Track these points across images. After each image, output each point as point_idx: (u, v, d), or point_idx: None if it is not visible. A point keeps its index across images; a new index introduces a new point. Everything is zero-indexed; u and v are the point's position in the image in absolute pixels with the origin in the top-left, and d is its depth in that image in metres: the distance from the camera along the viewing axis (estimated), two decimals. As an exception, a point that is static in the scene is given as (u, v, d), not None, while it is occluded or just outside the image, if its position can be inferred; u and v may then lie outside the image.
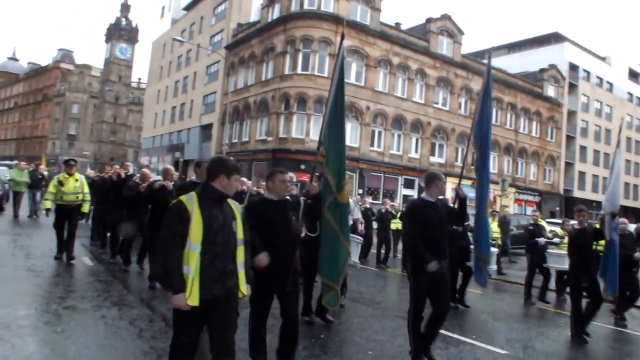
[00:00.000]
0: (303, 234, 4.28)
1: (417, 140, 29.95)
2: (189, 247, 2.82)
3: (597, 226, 6.36)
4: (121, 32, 71.08)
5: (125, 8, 73.10)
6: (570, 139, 40.23)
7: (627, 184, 44.45)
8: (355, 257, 8.30)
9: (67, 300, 5.78)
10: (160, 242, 2.91)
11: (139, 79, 72.67)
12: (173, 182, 7.05)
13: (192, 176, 7.92)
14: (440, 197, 4.77)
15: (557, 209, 33.16)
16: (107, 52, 71.64)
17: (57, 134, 72.28)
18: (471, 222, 8.29)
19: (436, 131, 30.62)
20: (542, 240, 8.98)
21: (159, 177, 7.67)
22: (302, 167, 24.42)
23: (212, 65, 36.40)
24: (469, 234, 7.60)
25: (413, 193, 28.46)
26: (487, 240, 5.33)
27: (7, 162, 37.76)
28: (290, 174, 4.52)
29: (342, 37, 4.61)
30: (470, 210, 5.39)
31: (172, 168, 7.66)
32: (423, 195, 4.74)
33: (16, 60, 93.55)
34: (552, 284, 9.27)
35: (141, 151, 50.81)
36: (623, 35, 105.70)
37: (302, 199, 4.21)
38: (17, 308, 5.11)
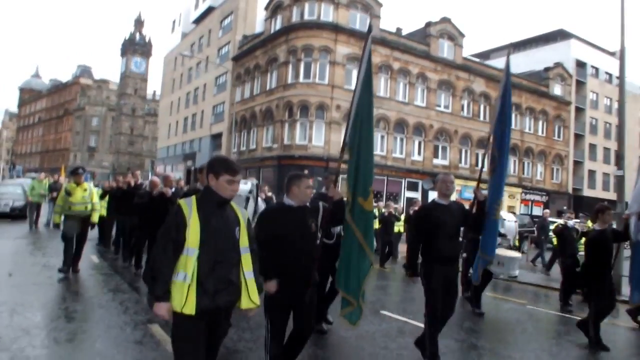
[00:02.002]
0: (318, 241, 4.04)
1: (419, 143, 30.46)
2: (186, 253, 2.69)
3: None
4: (135, 46, 73.51)
5: (138, 24, 75.59)
6: (578, 137, 39.77)
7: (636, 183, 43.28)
8: None
9: (72, 288, 6.90)
10: (154, 247, 2.80)
11: (154, 91, 74.99)
12: (173, 189, 7.57)
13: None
14: (452, 198, 4.70)
15: (565, 208, 33.11)
16: (123, 66, 74.10)
17: (78, 146, 74.94)
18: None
19: (439, 134, 31.06)
20: (571, 222, 8.55)
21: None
22: (306, 171, 25.25)
23: (220, 77, 37.67)
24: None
25: (417, 195, 29.02)
26: (493, 241, 5.23)
27: (33, 174, 39.74)
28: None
29: (368, 33, 4.18)
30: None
31: (171, 175, 8.19)
32: (435, 198, 4.71)
33: (39, 77, 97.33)
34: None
35: (157, 161, 52.43)
36: (634, 29, 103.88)
37: (321, 204, 3.94)
38: (31, 293, 6.24)
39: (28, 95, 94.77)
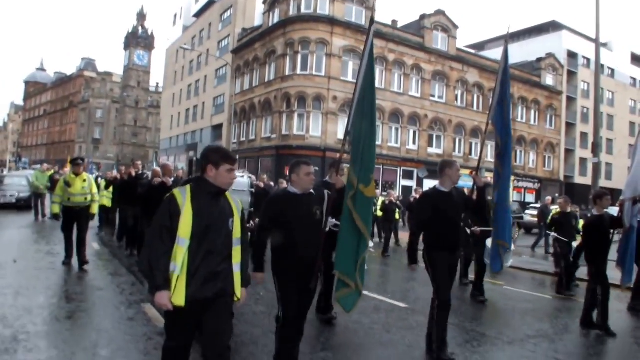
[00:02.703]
0: (327, 229, 3.98)
1: (414, 132, 31.10)
2: (177, 243, 2.66)
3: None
4: (138, 40, 74.21)
5: (141, 17, 76.17)
6: (570, 125, 40.44)
7: (630, 169, 44.11)
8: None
9: (73, 272, 7.28)
10: (148, 236, 2.79)
11: (157, 83, 75.60)
12: (173, 178, 7.76)
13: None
14: (456, 186, 4.60)
15: (557, 195, 33.77)
16: (126, 59, 74.84)
17: (83, 138, 75.97)
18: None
19: (433, 123, 31.67)
20: (553, 235, 8.63)
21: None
22: (304, 161, 26.00)
23: (220, 69, 38.30)
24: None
25: (412, 184, 29.78)
26: (509, 228, 5.17)
27: (39, 166, 40.77)
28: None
29: (371, 25, 4.17)
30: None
31: (169, 164, 8.20)
32: (436, 185, 4.58)
33: (44, 70, 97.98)
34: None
35: (161, 152, 53.33)
36: (625, 21, 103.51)
37: (326, 192, 3.90)
38: (34, 277, 6.71)
39: (33, 88, 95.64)
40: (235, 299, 2.87)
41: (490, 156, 32.11)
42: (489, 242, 7.22)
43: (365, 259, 4.11)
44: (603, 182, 40.89)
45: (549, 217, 10.57)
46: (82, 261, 7.47)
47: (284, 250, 3.56)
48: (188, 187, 2.82)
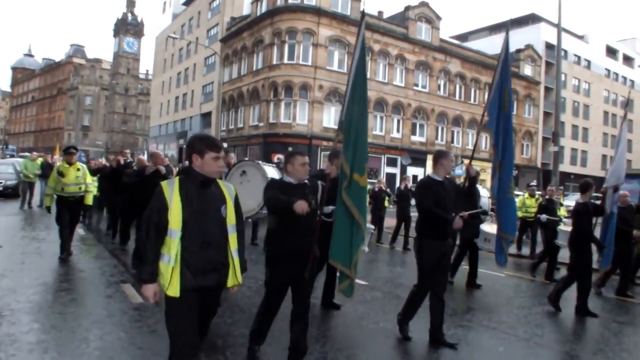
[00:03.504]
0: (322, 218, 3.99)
1: (398, 121, 31.81)
2: (169, 235, 2.66)
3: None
4: (128, 27, 73.43)
5: (130, 4, 75.31)
6: (547, 115, 41.47)
7: (604, 156, 46.19)
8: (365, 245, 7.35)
9: (57, 256, 7.32)
10: (139, 231, 2.79)
11: (147, 70, 75.27)
12: (166, 165, 7.81)
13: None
14: (448, 176, 4.70)
15: (535, 181, 34.74)
16: (116, 46, 74.19)
17: (72, 125, 75.57)
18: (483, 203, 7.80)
19: (416, 112, 32.41)
20: (543, 217, 8.88)
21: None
22: (290, 149, 26.57)
23: (209, 58, 38.48)
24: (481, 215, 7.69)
25: (396, 171, 30.54)
26: (513, 220, 5.13)
27: (27, 153, 40.54)
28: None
29: (362, 19, 4.16)
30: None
31: (160, 153, 8.13)
32: (430, 174, 4.66)
33: (32, 56, 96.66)
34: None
35: (150, 139, 53.50)
36: (600, 14, 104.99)
37: (320, 183, 3.98)
38: (20, 261, 7.05)
39: (21, 74, 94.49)
40: (237, 283, 2.90)
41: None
42: (482, 226, 7.61)
43: (360, 249, 4.16)
44: (578, 169, 42.59)
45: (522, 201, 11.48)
46: (67, 252, 7.52)
47: (280, 239, 3.64)
48: (176, 178, 2.83)
